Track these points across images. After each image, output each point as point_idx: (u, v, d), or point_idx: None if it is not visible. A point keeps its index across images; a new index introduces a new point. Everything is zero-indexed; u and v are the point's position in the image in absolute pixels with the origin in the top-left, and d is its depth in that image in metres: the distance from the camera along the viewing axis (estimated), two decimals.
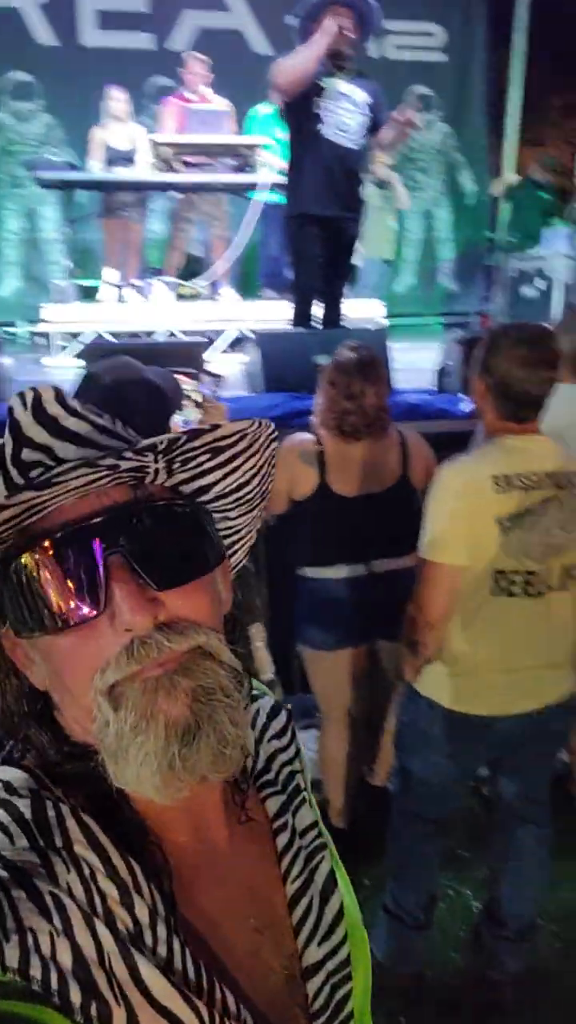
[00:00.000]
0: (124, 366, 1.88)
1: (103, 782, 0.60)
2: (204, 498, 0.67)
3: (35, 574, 0.59)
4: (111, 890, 0.58)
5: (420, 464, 2.61)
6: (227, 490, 0.67)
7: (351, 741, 2.85)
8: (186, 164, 6.06)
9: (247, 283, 7.16)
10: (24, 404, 0.60)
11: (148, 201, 6.77)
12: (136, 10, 8.09)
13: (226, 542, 0.73)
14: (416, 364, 4.55)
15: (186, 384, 2.26)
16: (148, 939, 0.58)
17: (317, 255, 4.29)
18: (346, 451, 2.53)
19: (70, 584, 0.59)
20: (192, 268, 6.82)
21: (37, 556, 0.59)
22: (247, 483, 0.68)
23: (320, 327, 4.49)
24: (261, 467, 0.68)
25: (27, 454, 0.60)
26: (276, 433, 0.68)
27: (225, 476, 0.66)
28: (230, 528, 0.73)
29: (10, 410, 0.60)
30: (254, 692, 0.78)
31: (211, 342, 5.28)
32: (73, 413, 0.62)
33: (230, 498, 0.68)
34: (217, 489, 0.66)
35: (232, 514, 0.71)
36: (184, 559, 0.62)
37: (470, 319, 8.65)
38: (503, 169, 9.03)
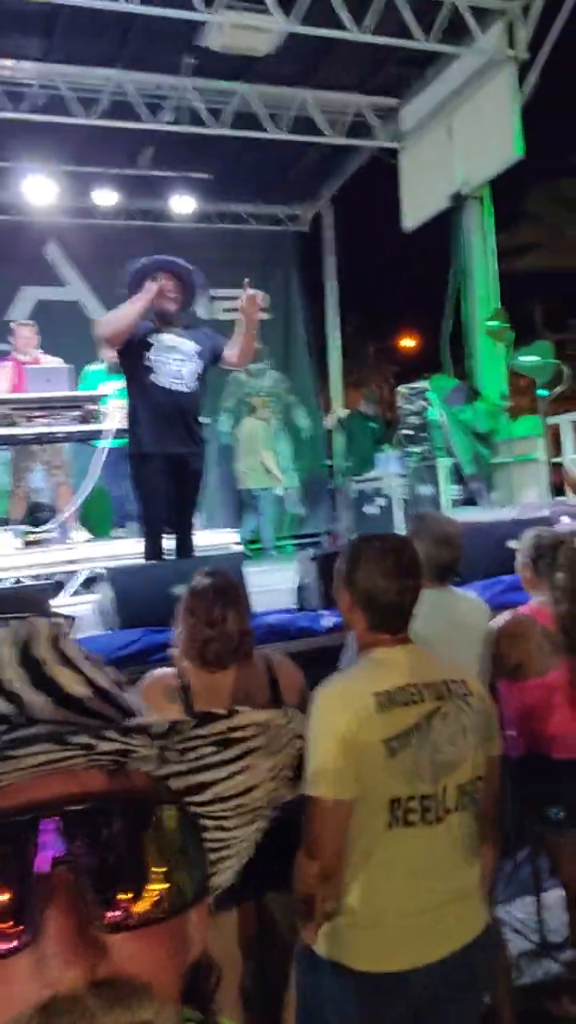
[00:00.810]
0: None
1: None
2: (197, 798, 0.52)
3: None
4: None
5: (290, 686, 2.48)
6: (229, 793, 0.52)
7: (247, 1022, 2.45)
8: (28, 419, 6.20)
9: (99, 524, 7.17)
10: (15, 638, 0.51)
11: None
12: None
13: (212, 857, 0.55)
14: (273, 585, 4.54)
15: None
16: None
17: (160, 490, 4.38)
18: (211, 681, 2.37)
19: None
20: (39, 515, 6.82)
21: None
22: (255, 787, 0.53)
23: (172, 559, 4.46)
24: (279, 771, 0.54)
25: None
26: (302, 730, 0.55)
27: (231, 776, 0.51)
28: (221, 842, 0.55)
29: None
30: None
31: (61, 586, 5.10)
32: (65, 662, 0.51)
33: (231, 803, 0.53)
34: (217, 790, 0.52)
35: (229, 823, 0.54)
36: (154, 890, 0.45)
37: (320, 539, 8.93)
38: (332, 405, 9.81)
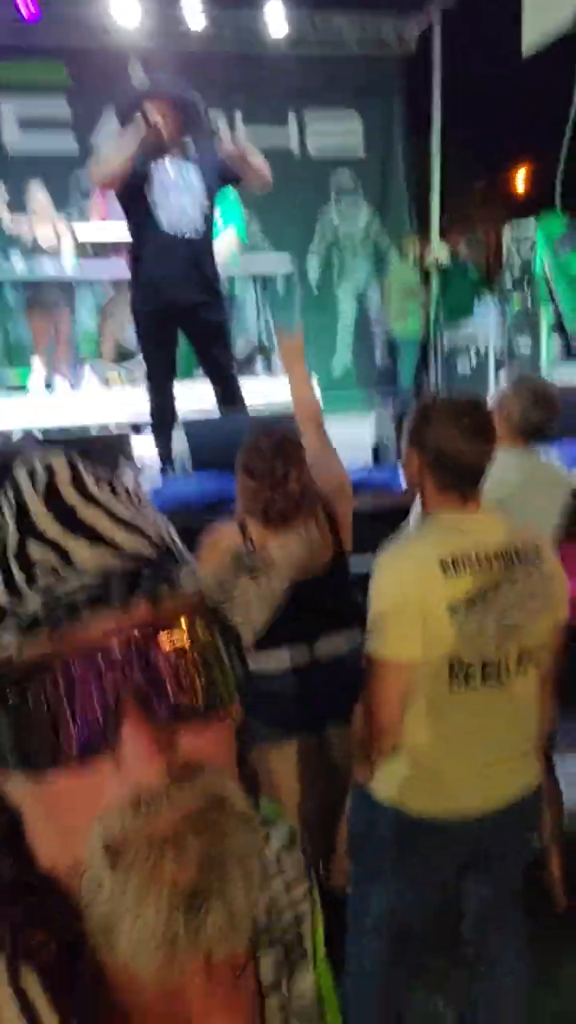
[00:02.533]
0: None
1: (59, 925, 0.50)
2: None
3: (26, 702, 0.48)
4: None
5: (347, 524, 2.47)
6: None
7: (305, 841, 2.60)
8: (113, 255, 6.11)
9: (184, 366, 7.15)
10: (34, 484, 0.51)
11: (77, 291, 6.75)
12: (59, 114, 8.32)
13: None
14: (352, 440, 4.47)
15: None
16: None
17: (164, 344, 4.16)
18: (275, 539, 2.37)
19: (72, 720, 0.48)
20: (128, 357, 6.81)
21: (31, 681, 0.48)
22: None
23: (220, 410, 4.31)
24: None
25: (34, 549, 0.50)
26: None
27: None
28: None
29: (15, 487, 0.52)
30: (265, 818, 0.67)
31: (138, 430, 5.15)
32: (91, 500, 0.52)
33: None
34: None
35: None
36: (207, 690, 0.52)
37: (408, 394, 8.72)
38: (432, 243, 9.20)
